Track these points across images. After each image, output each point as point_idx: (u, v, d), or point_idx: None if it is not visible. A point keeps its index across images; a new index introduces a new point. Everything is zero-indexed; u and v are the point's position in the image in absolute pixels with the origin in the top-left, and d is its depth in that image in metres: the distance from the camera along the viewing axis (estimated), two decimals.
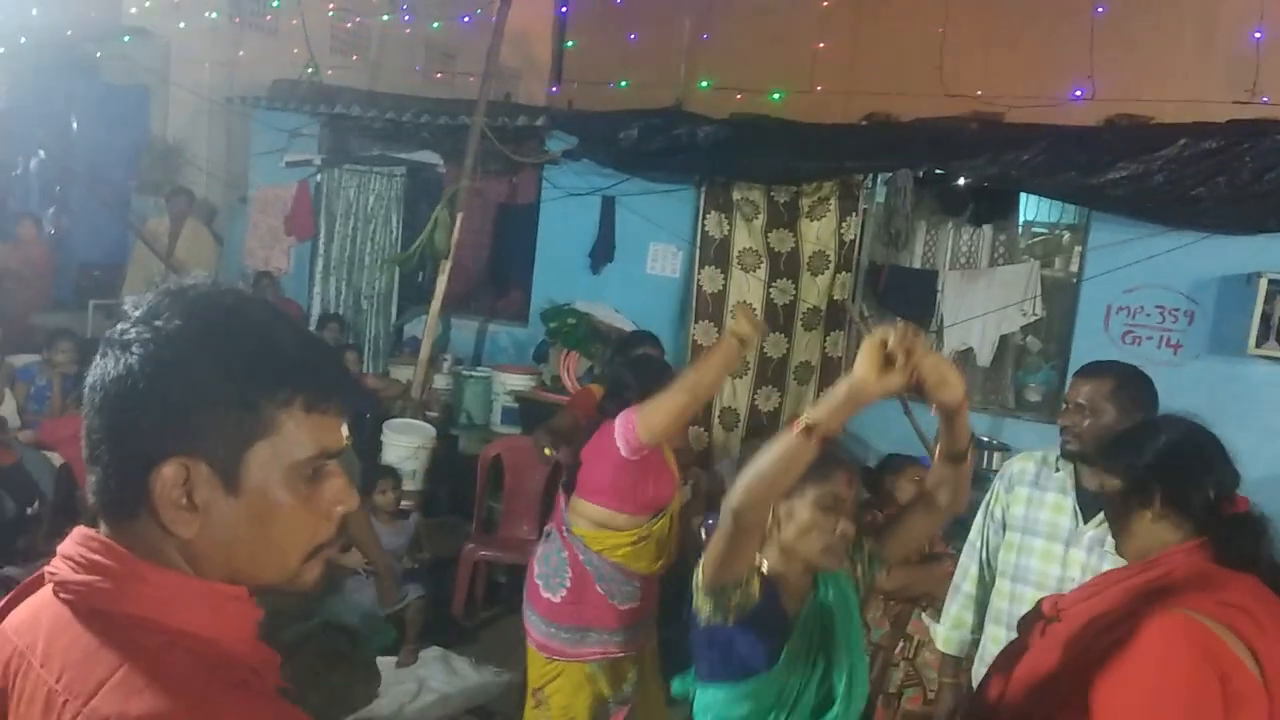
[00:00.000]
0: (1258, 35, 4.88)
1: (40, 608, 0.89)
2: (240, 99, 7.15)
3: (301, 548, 0.93)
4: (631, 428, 3.01)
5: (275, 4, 7.51)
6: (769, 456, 1.68)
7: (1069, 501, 2.57)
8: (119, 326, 0.87)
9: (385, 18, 7.72)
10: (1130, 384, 2.51)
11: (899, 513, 2.04)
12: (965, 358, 5.31)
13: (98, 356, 0.88)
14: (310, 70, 6.98)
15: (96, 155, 7.28)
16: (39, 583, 0.93)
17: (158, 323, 0.86)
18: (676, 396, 2.98)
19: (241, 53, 7.35)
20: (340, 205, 6.87)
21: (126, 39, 7.27)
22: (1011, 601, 2.63)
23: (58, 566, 0.89)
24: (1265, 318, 4.40)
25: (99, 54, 7.48)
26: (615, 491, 3.12)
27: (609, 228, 5.95)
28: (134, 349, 0.85)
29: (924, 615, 3.35)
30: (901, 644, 3.43)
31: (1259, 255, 4.44)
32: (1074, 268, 5.08)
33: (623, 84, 6.69)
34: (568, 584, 3.15)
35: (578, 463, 3.23)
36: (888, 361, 1.58)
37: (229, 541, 0.88)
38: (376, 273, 6.86)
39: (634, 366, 3.37)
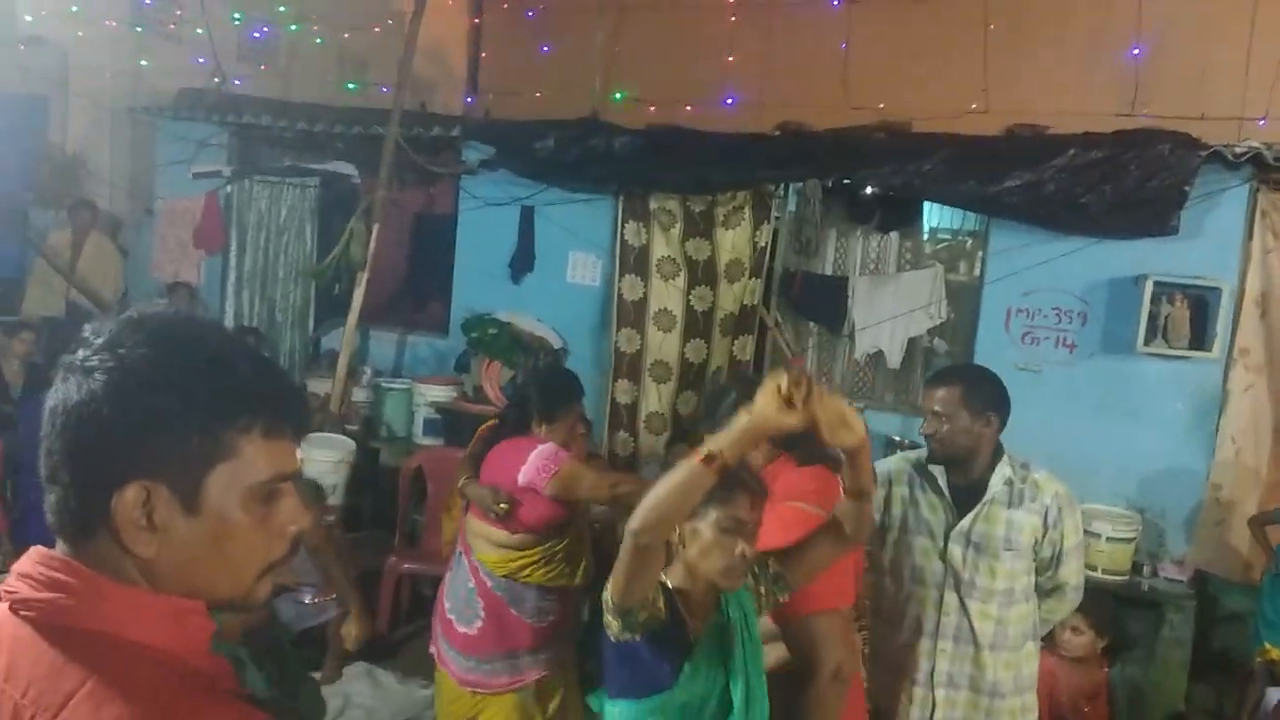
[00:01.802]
0: (1136, 52, 5.18)
1: None
2: (144, 109, 6.97)
3: (256, 566, 0.97)
4: (544, 476, 3.01)
5: (178, 11, 7.34)
6: (669, 483, 1.77)
7: (944, 499, 2.70)
8: (80, 353, 0.91)
9: (294, 27, 7.61)
10: (978, 386, 2.69)
11: (804, 539, 2.12)
12: (876, 360, 5.50)
13: (58, 381, 0.90)
14: (217, 80, 6.83)
15: None
16: None
17: (120, 350, 0.89)
18: (603, 486, 3.05)
19: (144, 62, 7.16)
20: (252, 217, 6.75)
21: (22, 48, 7.01)
22: (898, 600, 2.76)
23: (15, 585, 0.91)
24: (1152, 318, 4.67)
25: None
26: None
27: (528, 237, 5.99)
28: (97, 375, 0.89)
29: None
30: None
31: (1145, 259, 4.71)
32: (976, 272, 5.31)
33: (538, 94, 6.73)
34: (481, 614, 3.11)
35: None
36: (788, 401, 1.71)
37: (187, 560, 0.92)
38: (291, 285, 6.76)
39: (538, 379, 3.38)
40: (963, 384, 2.66)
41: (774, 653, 2.18)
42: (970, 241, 5.53)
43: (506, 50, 7.92)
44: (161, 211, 7.03)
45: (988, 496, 2.66)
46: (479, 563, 3.14)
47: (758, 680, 2.05)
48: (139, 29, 7.21)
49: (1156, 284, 4.63)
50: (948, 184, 4.98)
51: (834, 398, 1.79)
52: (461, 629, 3.14)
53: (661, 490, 1.77)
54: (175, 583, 0.92)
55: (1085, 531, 3.41)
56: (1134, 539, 4.43)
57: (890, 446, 5.13)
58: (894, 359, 5.38)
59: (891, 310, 5.31)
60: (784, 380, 1.71)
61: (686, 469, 1.74)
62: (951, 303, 5.32)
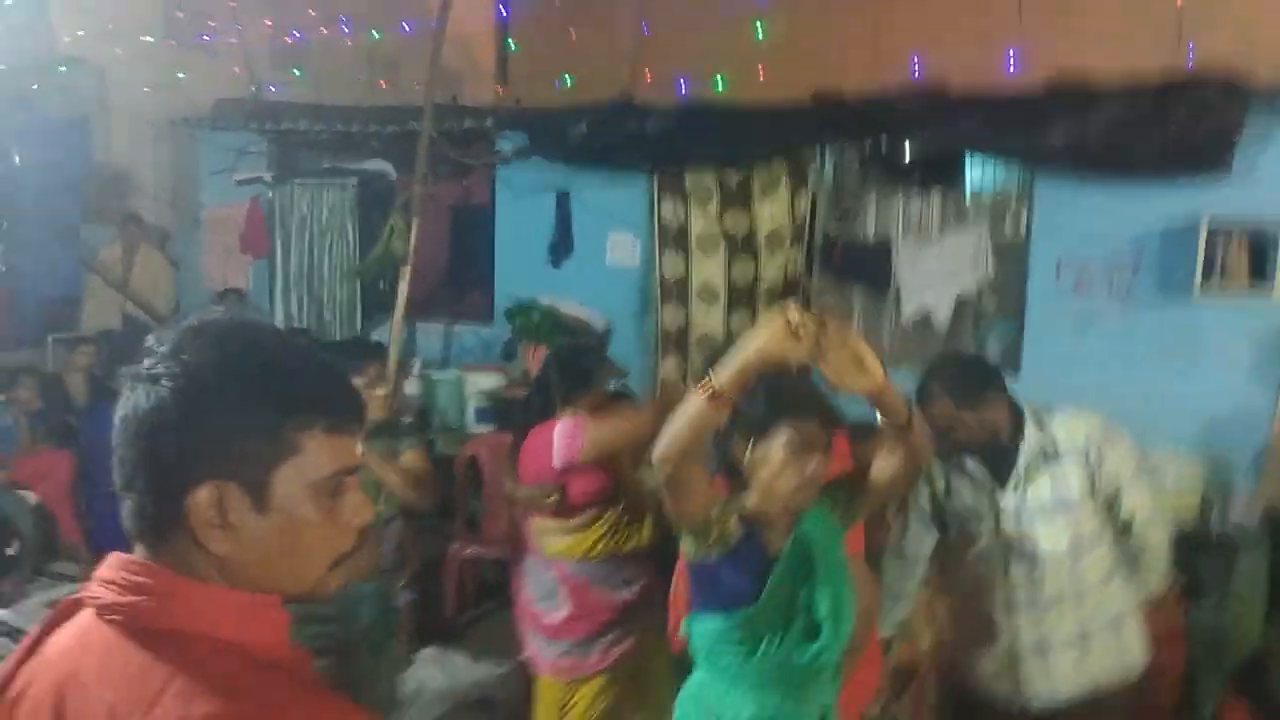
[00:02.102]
0: None
1: (86, 630, 0.95)
2: (184, 121, 7.09)
3: (325, 559, 1.00)
4: (575, 447, 2.96)
5: (210, 23, 7.45)
6: (680, 416, 1.84)
7: (976, 479, 2.62)
8: (146, 362, 0.94)
9: (324, 30, 7.68)
10: (962, 384, 2.52)
11: (870, 467, 2.12)
12: (924, 322, 5.43)
13: (125, 390, 0.94)
14: (253, 88, 6.93)
15: (43, 188, 7.19)
16: (73, 609, 0.99)
17: (184, 356, 0.92)
18: (634, 428, 2.90)
19: (181, 75, 7.28)
20: (295, 220, 6.86)
21: (63, 69, 7.17)
22: (966, 582, 2.70)
23: (98, 591, 0.95)
24: (1208, 260, 4.55)
25: (35, 86, 7.37)
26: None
27: (566, 222, 6.01)
28: (164, 382, 0.92)
29: None
30: None
31: (1196, 201, 4.59)
32: (1023, 227, 5.21)
33: (568, 79, 6.71)
34: (569, 601, 3.09)
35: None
36: (796, 334, 1.68)
37: (259, 555, 0.95)
38: (337, 284, 6.86)
39: (557, 361, 3.28)
40: (949, 395, 2.49)
41: None
42: (1015, 197, 5.42)
43: (535, 38, 7.90)
44: (207, 220, 7.17)
45: (1023, 461, 2.53)
46: (553, 557, 3.12)
47: (845, 592, 2.06)
48: (173, 42, 7.33)
49: (1211, 227, 4.51)
50: (990, 140, 4.90)
51: (852, 338, 1.73)
52: (549, 619, 3.12)
53: (673, 425, 1.85)
54: (249, 578, 0.95)
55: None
56: (1201, 484, 4.34)
57: None
58: (941, 320, 5.31)
59: (937, 271, 5.24)
60: (791, 311, 1.69)
61: (694, 404, 1.80)
62: (999, 259, 5.23)
